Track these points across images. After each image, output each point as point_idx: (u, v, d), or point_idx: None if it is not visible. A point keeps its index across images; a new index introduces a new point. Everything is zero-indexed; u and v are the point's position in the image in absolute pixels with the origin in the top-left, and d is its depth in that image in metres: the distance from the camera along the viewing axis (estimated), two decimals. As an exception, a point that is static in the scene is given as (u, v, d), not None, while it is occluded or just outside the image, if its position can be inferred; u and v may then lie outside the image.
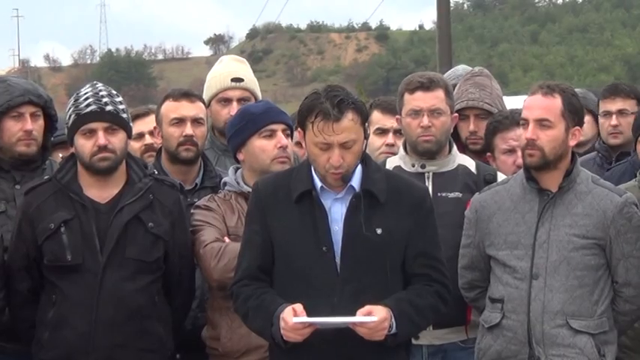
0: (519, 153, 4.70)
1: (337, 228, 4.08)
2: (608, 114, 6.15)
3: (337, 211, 4.10)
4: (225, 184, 4.84)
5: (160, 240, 4.54)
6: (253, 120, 4.77)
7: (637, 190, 4.89)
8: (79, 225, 4.48)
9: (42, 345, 4.52)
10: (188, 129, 5.17)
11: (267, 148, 4.72)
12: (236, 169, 4.86)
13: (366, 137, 4.11)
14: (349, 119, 3.98)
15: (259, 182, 4.26)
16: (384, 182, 4.13)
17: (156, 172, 4.86)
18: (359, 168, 4.13)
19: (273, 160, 4.71)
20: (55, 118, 5.11)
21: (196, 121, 5.21)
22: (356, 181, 4.11)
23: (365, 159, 4.17)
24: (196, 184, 5.23)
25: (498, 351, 4.54)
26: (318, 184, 4.10)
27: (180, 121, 5.19)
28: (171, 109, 5.23)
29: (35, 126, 4.97)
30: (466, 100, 5.59)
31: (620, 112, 6.13)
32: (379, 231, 4.06)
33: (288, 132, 4.80)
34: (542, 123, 4.46)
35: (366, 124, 4.11)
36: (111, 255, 4.46)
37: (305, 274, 4.05)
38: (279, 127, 4.74)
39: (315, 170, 4.11)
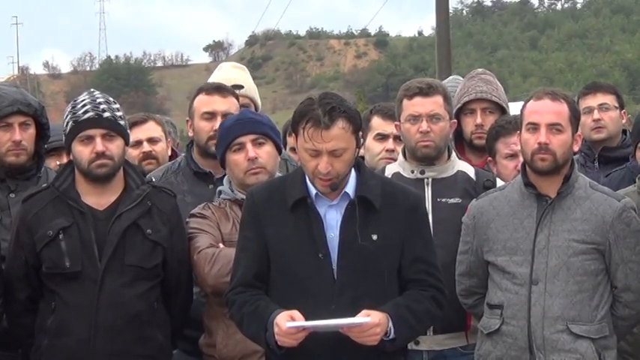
0: (521, 158, 4.70)
1: (333, 235, 4.08)
2: (589, 110, 6.16)
3: (332, 217, 4.11)
4: (220, 192, 4.85)
5: (158, 246, 4.54)
6: (224, 135, 4.79)
7: (636, 196, 4.89)
8: (77, 232, 4.47)
9: (41, 352, 4.51)
10: (218, 123, 5.12)
11: (239, 162, 4.73)
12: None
13: (359, 146, 4.11)
14: (339, 127, 3.99)
15: (253, 190, 4.27)
16: (378, 188, 4.14)
17: (182, 163, 5.01)
18: (353, 175, 4.14)
19: (245, 173, 4.72)
20: (47, 126, 5.11)
21: (227, 116, 5.13)
22: (350, 188, 4.12)
23: (359, 166, 4.18)
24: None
25: (498, 357, 4.53)
26: (313, 191, 4.11)
27: (211, 116, 5.20)
28: (204, 102, 5.23)
29: (25, 136, 4.97)
30: (475, 93, 5.62)
31: (602, 107, 6.15)
32: (375, 237, 4.07)
33: (262, 140, 4.76)
34: (555, 128, 4.47)
35: (360, 132, 4.10)
36: (110, 262, 4.45)
37: (302, 281, 4.05)
38: (246, 138, 4.73)
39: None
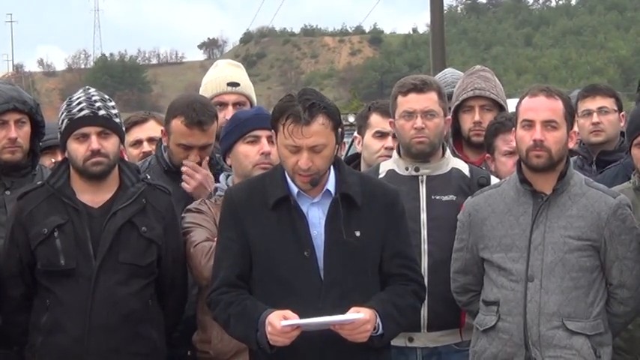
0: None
1: (317, 232, 4.09)
2: (588, 113, 6.17)
3: (315, 215, 4.12)
4: (216, 189, 4.85)
5: (153, 244, 4.54)
6: (240, 125, 4.79)
7: (632, 193, 4.90)
8: (72, 229, 4.47)
9: (35, 350, 4.50)
10: (193, 156, 5.11)
11: (250, 153, 4.73)
12: (227, 176, 4.88)
13: (338, 142, 4.12)
14: (319, 123, 4.00)
15: (232, 190, 4.28)
16: (358, 185, 4.16)
17: (152, 161, 4.86)
18: (333, 172, 4.15)
19: (254, 165, 4.71)
20: (42, 124, 5.11)
21: (204, 148, 5.13)
22: (331, 185, 4.14)
23: (338, 163, 4.19)
24: None
25: (494, 353, 4.54)
26: (295, 189, 4.12)
27: (187, 148, 5.12)
28: (183, 133, 5.09)
29: (20, 133, 4.98)
30: (472, 90, 5.62)
31: (601, 110, 6.16)
32: (358, 234, 4.09)
33: (274, 139, 4.79)
34: (550, 124, 4.47)
35: (340, 129, 4.11)
36: (104, 259, 4.45)
37: (288, 280, 4.05)
38: (263, 133, 4.73)
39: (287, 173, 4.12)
